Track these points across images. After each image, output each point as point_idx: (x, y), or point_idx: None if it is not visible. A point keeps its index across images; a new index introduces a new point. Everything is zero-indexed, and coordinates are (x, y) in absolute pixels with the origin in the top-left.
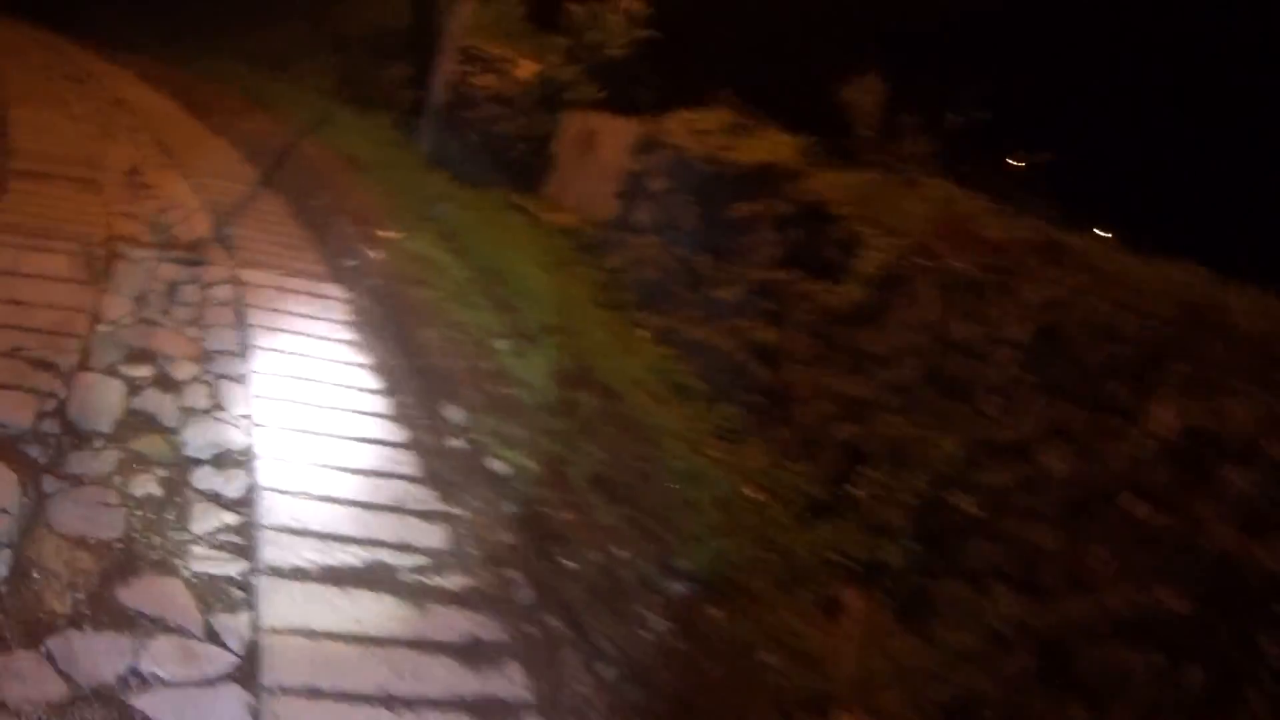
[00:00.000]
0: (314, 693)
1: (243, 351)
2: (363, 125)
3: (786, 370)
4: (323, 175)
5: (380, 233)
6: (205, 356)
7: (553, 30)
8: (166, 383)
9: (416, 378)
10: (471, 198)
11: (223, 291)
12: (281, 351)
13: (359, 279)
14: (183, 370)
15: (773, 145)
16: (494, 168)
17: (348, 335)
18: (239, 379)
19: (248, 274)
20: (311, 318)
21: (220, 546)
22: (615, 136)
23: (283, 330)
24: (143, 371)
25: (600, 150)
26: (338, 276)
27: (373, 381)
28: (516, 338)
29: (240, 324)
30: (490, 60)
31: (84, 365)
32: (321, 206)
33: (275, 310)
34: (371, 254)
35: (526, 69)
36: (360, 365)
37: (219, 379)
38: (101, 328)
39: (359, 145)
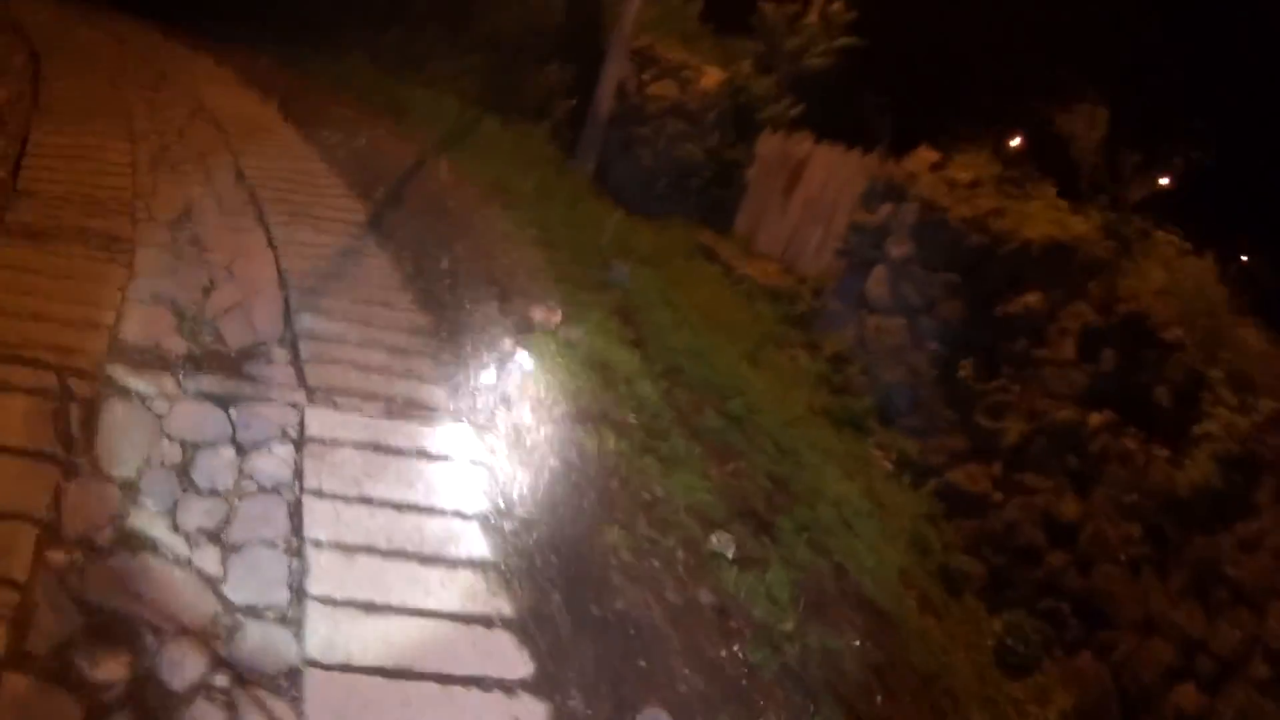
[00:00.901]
0: None
1: (293, 608)
2: (510, 140)
3: (1100, 572)
4: (455, 214)
5: (535, 314)
6: (225, 628)
7: (735, 32)
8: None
9: (589, 641)
10: (649, 240)
11: (271, 464)
12: (360, 602)
13: (497, 414)
14: (182, 671)
15: (1058, 215)
16: (672, 196)
17: (476, 549)
18: (279, 683)
19: (319, 419)
20: (415, 508)
21: None
22: (829, 171)
23: (362, 549)
24: (111, 672)
25: (808, 185)
26: (463, 410)
27: (517, 657)
28: (740, 520)
29: (293, 536)
30: (668, 65)
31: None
32: (449, 268)
33: (357, 498)
34: (519, 360)
35: (711, 77)
36: (499, 620)
37: (245, 685)
38: (54, 558)
39: (505, 167)
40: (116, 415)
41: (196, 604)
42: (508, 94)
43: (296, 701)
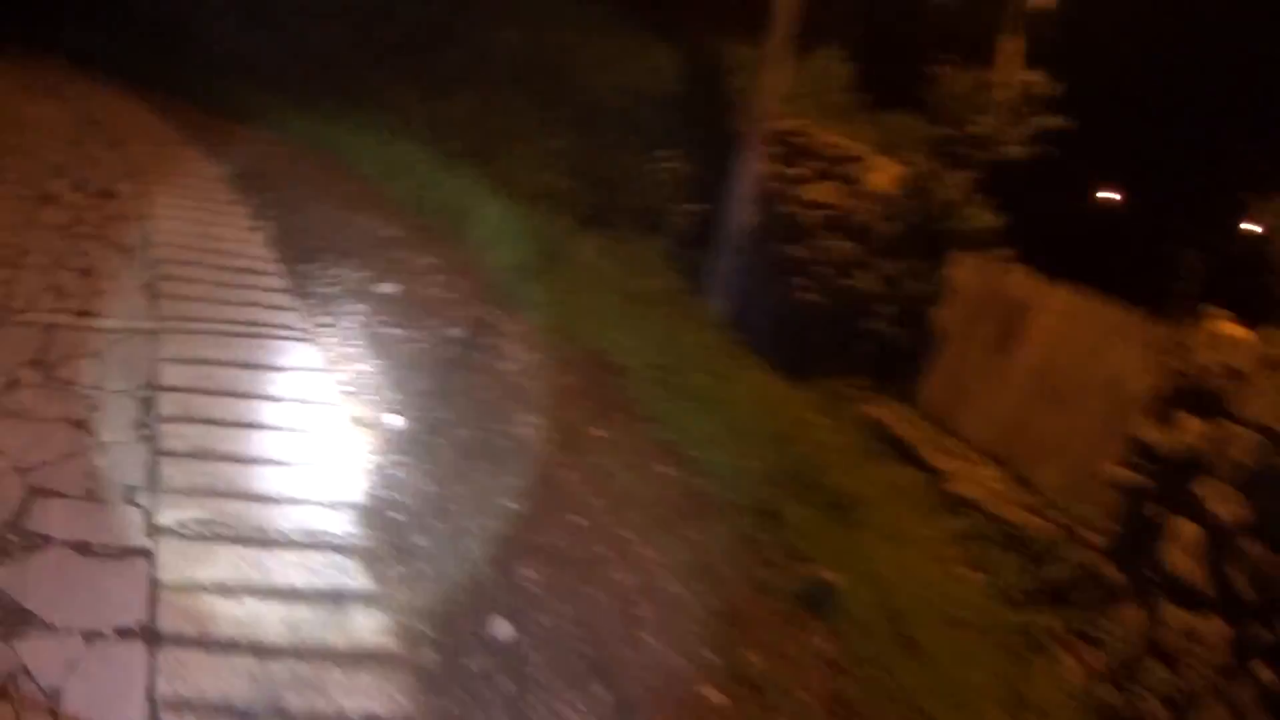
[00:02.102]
0: None
1: None
2: (615, 264)
3: None
4: (530, 450)
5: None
6: None
7: (900, 105)
8: None
9: None
10: (817, 433)
11: None
12: None
13: None
14: None
15: None
16: (838, 348)
17: None
18: None
19: None
20: None
21: None
22: (1069, 328)
23: None
24: None
25: (1035, 345)
26: None
27: None
28: None
29: None
30: (825, 156)
31: None
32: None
33: None
34: None
35: (884, 174)
36: None
37: None
38: None
39: (609, 315)
40: None
41: None
42: (609, 192)
43: None
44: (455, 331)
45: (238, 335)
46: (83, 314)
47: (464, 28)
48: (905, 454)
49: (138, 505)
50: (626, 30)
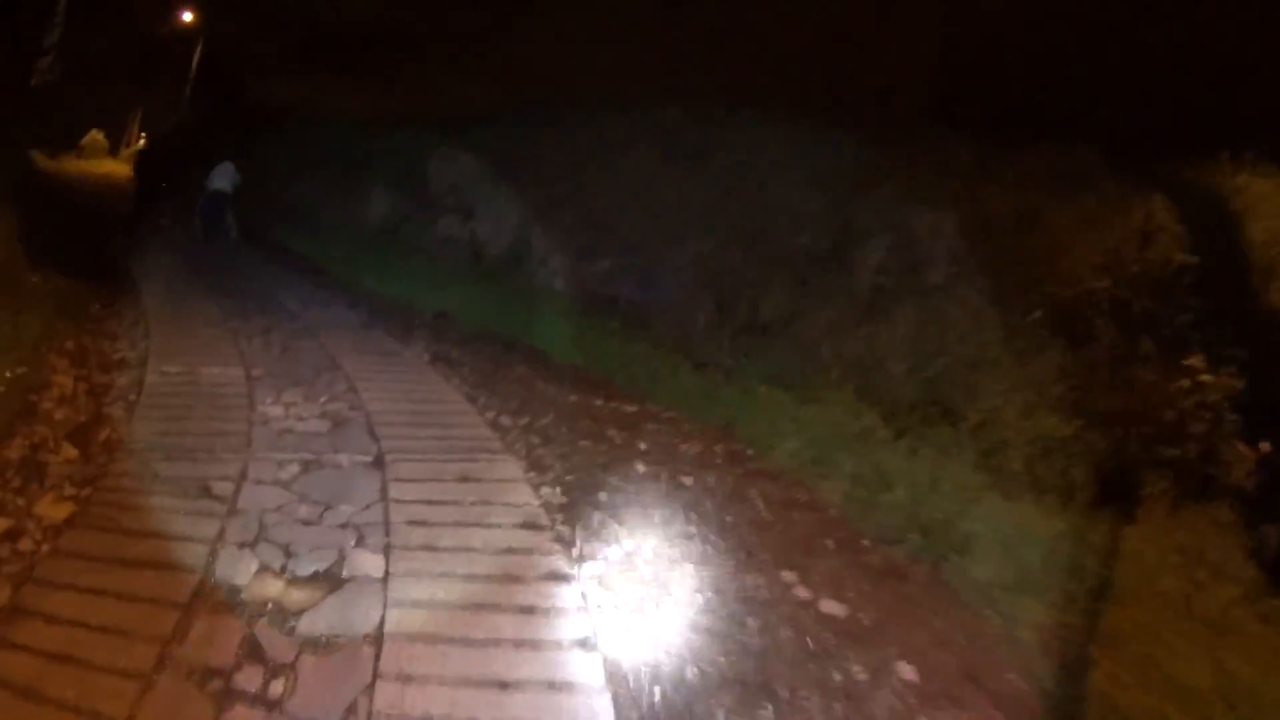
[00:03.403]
0: None
1: None
2: (1164, 565)
3: None
4: None
5: None
6: None
7: None
8: None
9: None
10: None
11: None
12: None
13: None
14: None
15: None
16: None
17: None
18: None
19: None
20: None
21: None
22: None
23: None
24: None
25: None
26: None
27: None
28: None
29: None
30: None
31: None
32: None
33: None
34: None
35: None
36: None
37: None
38: None
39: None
40: None
41: None
42: (1124, 434)
43: None
44: None
45: None
46: None
47: (868, 217)
48: None
49: None
50: (1102, 182)
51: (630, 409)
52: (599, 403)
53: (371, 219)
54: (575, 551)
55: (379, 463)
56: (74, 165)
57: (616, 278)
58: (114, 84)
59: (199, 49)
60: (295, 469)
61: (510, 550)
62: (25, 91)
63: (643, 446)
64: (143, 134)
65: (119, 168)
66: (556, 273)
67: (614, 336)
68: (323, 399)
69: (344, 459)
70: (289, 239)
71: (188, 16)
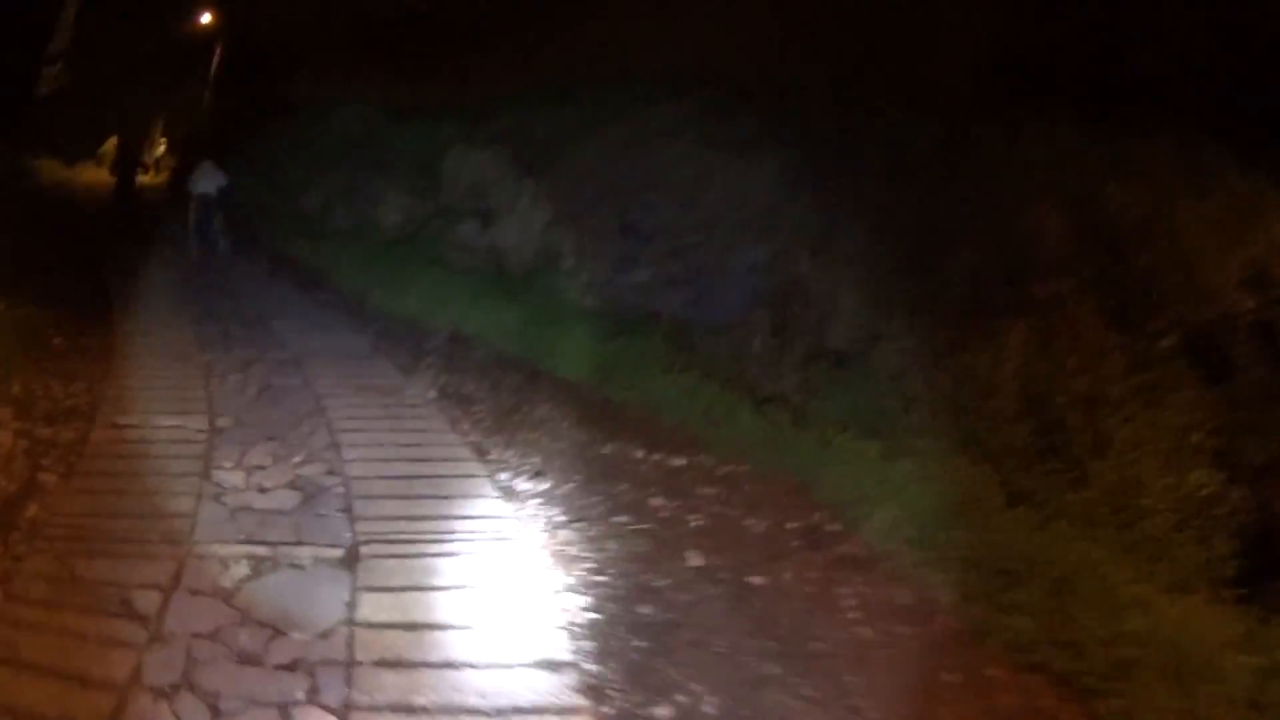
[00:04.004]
0: None
1: None
2: None
3: None
4: None
5: None
6: None
7: None
8: None
9: None
10: None
11: None
12: None
13: None
14: None
15: None
16: None
17: None
18: None
19: None
20: None
21: None
22: None
23: None
24: None
25: None
26: None
27: None
28: None
29: None
30: None
31: None
32: None
33: None
34: None
35: None
36: None
37: None
38: None
39: None
40: None
41: None
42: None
43: None
44: None
45: None
46: None
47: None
48: None
49: None
50: (1231, 180)
51: (678, 462)
52: (639, 454)
53: (385, 224)
54: (608, 711)
55: (351, 560)
56: (90, 174)
57: (658, 291)
58: (134, 89)
59: (219, 47)
60: (244, 570)
61: (519, 711)
62: (28, 101)
63: (696, 523)
64: (163, 139)
65: (143, 175)
66: (588, 285)
67: (655, 364)
68: (296, 459)
69: (307, 555)
70: (295, 247)
71: (206, 18)
